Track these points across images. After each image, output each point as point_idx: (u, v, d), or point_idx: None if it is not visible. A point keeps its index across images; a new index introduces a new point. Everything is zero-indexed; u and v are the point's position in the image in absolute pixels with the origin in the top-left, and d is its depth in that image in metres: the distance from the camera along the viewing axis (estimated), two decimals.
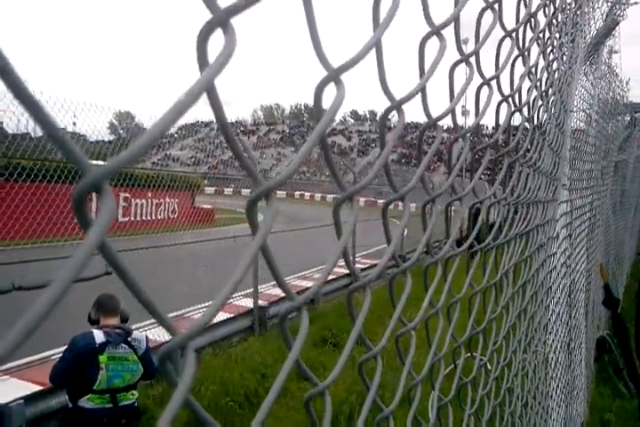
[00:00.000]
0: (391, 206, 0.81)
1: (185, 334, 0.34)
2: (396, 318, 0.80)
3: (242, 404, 5.41)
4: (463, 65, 0.90)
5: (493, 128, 1.29)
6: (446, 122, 0.91)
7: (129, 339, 3.70)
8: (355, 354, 0.86)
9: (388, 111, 0.63)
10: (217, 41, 0.37)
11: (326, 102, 0.51)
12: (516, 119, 1.30)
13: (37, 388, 4.75)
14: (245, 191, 16.53)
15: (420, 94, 0.69)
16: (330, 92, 0.50)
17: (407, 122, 0.62)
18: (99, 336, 3.60)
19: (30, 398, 4.40)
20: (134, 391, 3.74)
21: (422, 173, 0.72)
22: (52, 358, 5.37)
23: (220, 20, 0.37)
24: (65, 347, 3.65)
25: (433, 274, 1.01)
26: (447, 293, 1.05)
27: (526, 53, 1.22)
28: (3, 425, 4.12)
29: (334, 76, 0.50)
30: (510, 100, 1.14)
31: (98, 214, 0.28)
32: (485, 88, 1.00)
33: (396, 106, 0.63)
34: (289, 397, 5.51)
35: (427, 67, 0.70)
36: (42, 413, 4.49)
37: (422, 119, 0.85)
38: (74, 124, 7.95)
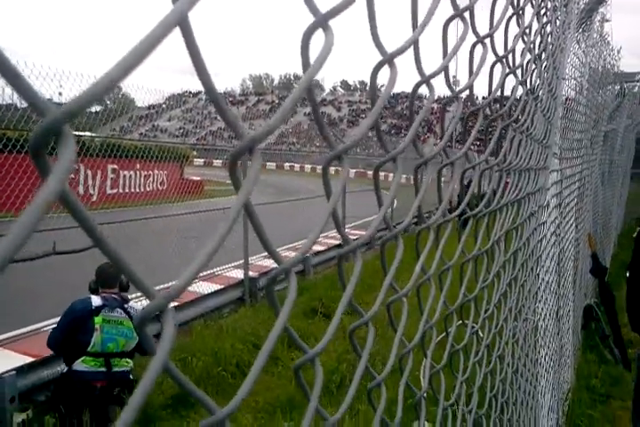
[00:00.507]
0: (382, 178, 0.78)
1: (164, 296, 0.32)
2: (388, 284, 0.78)
3: (234, 373, 5.45)
4: (455, 31, 0.87)
5: (484, 98, 1.26)
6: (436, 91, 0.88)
7: (125, 305, 3.80)
8: (345, 324, 0.85)
9: (379, 65, 0.60)
10: None
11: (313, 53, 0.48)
12: (508, 86, 1.27)
13: (30, 359, 4.76)
14: None
15: (412, 49, 0.66)
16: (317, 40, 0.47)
17: (397, 92, 0.59)
18: (95, 301, 3.73)
19: (22, 370, 4.41)
20: (129, 360, 3.81)
21: (414, 134, 0.69)
22: (45, 329, 5.37)
23: None
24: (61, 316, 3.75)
25: (425, 241, 0.99)
26: (439, 259, 1.03)
27: (520, 13, 1.18)
28: None
29: (322, 21, 0.46)
30: (504, 61, 1.11)
31: (57, 160, 0.25)
32: (479, 49, 0.96)
33: (388, 60, 0.60)
34: (280, 366, 5.56)
35: (420, 19, 0.67)
36: (33, 384, 4.51)
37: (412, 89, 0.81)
38: (60, 93, 7.77)
